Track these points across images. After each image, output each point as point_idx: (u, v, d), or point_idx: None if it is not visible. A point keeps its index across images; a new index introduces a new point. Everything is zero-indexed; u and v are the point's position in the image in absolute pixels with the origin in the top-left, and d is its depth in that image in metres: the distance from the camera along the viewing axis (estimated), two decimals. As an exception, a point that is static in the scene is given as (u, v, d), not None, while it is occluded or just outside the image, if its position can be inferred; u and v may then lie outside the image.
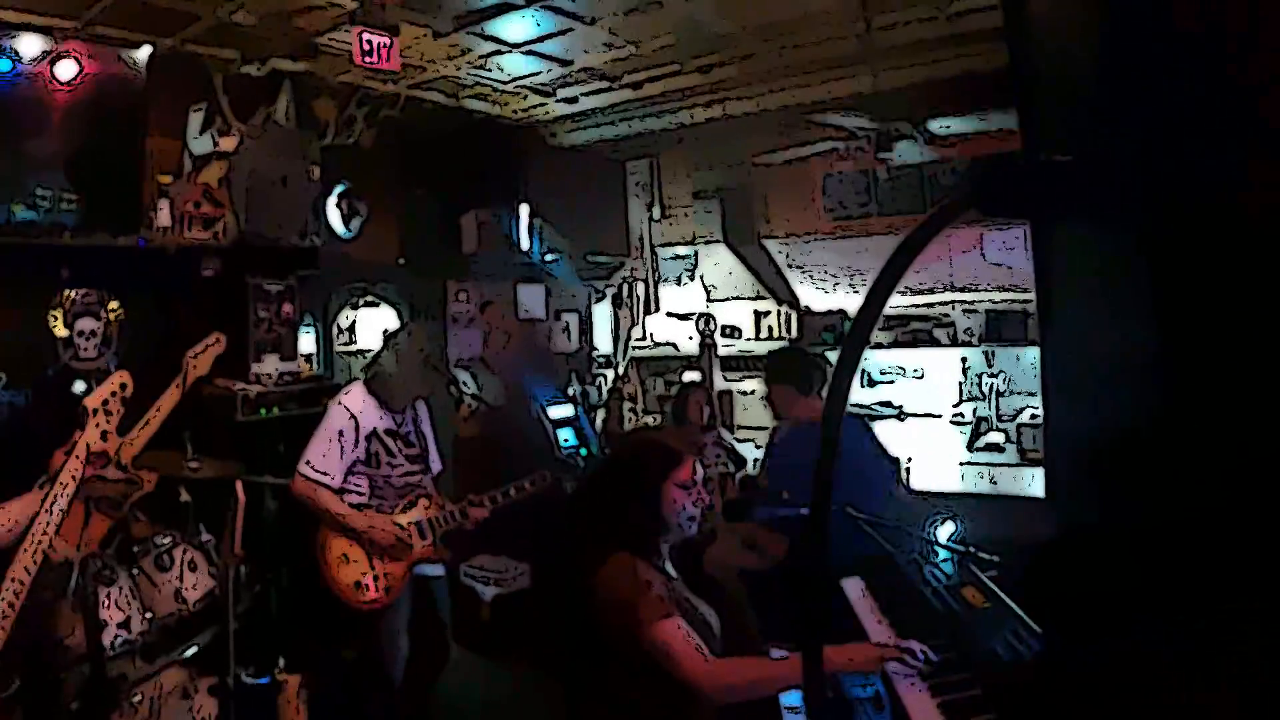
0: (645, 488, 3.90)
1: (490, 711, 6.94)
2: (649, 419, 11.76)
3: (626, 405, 11.88)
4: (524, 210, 10.66)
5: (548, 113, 10.57)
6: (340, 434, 5.93)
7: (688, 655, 3.56)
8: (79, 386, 6.92)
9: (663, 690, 3.61)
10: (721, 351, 11.05)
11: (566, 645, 4.03)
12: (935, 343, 10.01)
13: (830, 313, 10.80)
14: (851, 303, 10.70)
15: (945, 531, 5.06)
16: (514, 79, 9.35)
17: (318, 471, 5.90)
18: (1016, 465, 9.13)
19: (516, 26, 7.93)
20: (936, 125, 9.31)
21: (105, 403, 4.37)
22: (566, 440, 9.93)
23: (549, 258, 11.00)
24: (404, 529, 5.99)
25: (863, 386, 10.10)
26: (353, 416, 5.97)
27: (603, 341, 12.44)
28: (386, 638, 6.10)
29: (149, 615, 5.70)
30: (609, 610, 3.70)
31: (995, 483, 9.16)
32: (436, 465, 6.45)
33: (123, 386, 4.44)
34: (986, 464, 9.38)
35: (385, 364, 6.14)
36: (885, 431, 9.70)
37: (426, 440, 6.33)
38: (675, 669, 3.55)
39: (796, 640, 4.01)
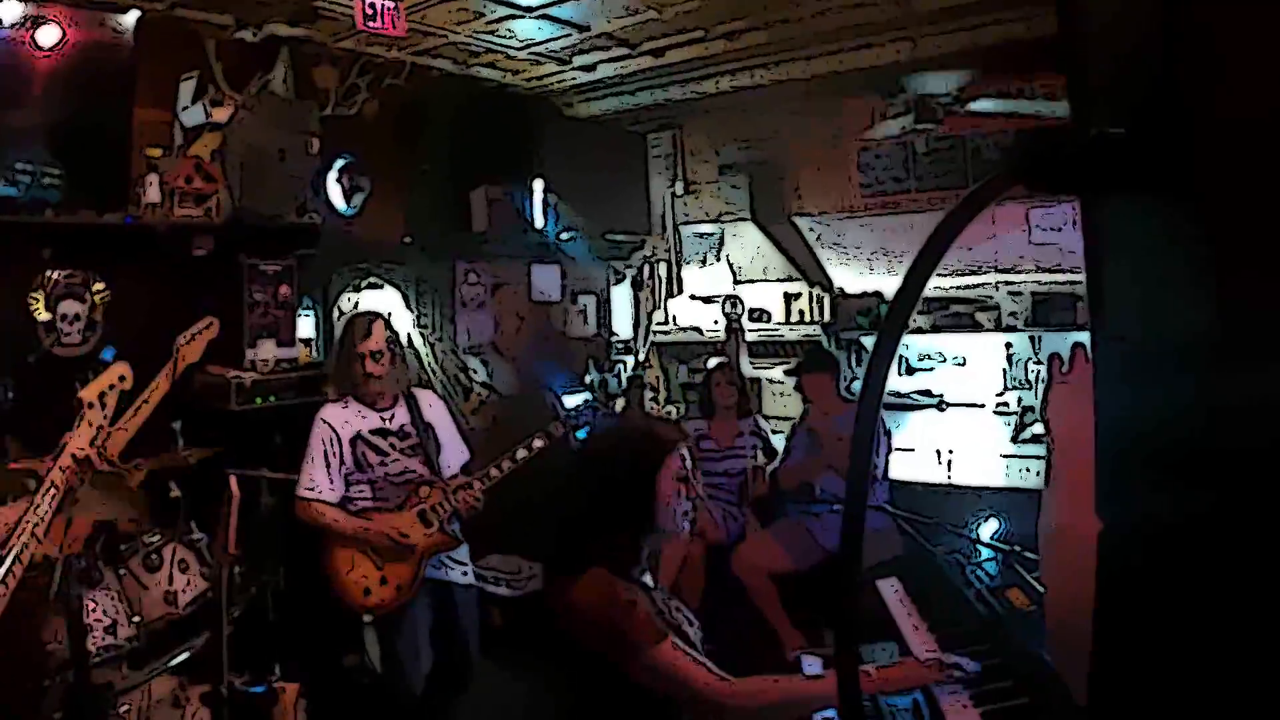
0: (635, 484, 3.72)
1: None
2: (671, 408, 11.73)
3: (647, 394, 11.85)
4: (538, 186, 10.59)
5: (563, 81, 10.53)
6: (323, 448, 6.12)
7: (699, 676, 3.46)
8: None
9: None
10: (749, 336, 11.03)
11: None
12: (978, 327, 9.96)
13: (866, 295, 10.71)
14: (888, 284, 10.63)
15: (989, 529, 5.08)
16: (527, 45, 9.31)
17: (308, 490, 6.09)
18: (1065, 458, 9.06)
19: (530, -11, 7.90)
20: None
21: (102, 396, 4.34)
22: (582, 432, 9.91)
23: (565, 236, 10.95)
24: (403, 526, 6.07)
25: (900, 374, 10.05)
26: (331, 428, 6.16)
27: (622, 326, 12.43)
28: (406, 647, 6.14)
29: (137, 619, 5.78)
30: (591, 637, 3.55)
31: (1041, 477, 9.10)
32: (461, 455, 6.55)
33: (121, 379, 4.41)
34: (1033, 456, 9.32)
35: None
36: (926, 421, 9.73)
37: (434, 430, 6.39)
38: (685, 693, 3.46)
39: (830, 649, 4.00)
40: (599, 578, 3.61)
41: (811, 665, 4.13)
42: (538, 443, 6.46)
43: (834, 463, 7.97)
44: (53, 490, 4.11)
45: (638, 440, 3.96)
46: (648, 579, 3.83)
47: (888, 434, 8.34)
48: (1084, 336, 1.33)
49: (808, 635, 7.33)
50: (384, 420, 6.24)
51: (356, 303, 9.11)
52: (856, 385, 8.72)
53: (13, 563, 3.98)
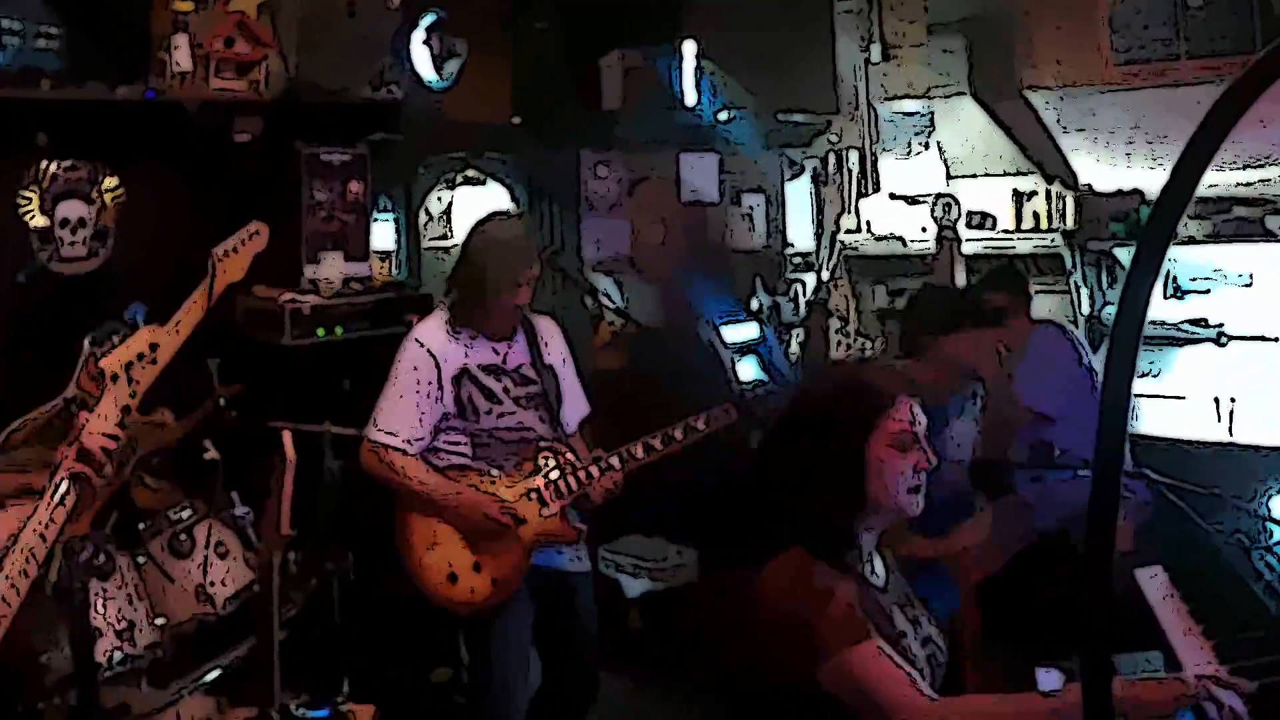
0: (839, 451, 3.70)
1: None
2: (865, 343, 11.54)
3: (833, 324, 11.75)
4: (689, 50, 10.44)
5: (721, -89, 10.34)
6: (416, 380, 5.97)
7: (896, 691, 3.43)
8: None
9: None
10: (967, 249, 10.79)
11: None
12: (1269, 236, 9.77)
13: (1121, 194, 10.64)
14: (1151, 180, 10.56)
15: (1282, 504, 5.04)
16: None
17: (387, 433, 5.94)
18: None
19: None
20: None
21: (129, 367, 4.23)
22: (748, 374, 9.70)
23: (724, 117, 10.86)
24: (510, 500, 5.96)
25: (1166, 297, 9.81)
26: (431, 354, 6.02)
27: (800, 235, 12.34)
28: (502, 654, 6.06)
29: (160, 620, 5.83)
30: (775, 631, 3.65)
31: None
32: (580, 408, 6.49)
33: (152, 348, 4.30)
34: (1341, 406, 9.11)
35: (463, 271, 6.11)
36: (1200, 359, 9.46)
37: (555, 373, 6.28)
38: (878, 711, 3.42)
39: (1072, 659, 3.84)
40: (792, 561, 3.70)
41: (1048, 678, 4.12)
42: (701, 424, 6.25)
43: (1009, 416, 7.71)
44: (67, 490, 3.96)
45: (840, 393, 3.95)
46: (877, 569, 3.87)
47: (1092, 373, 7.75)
48: None
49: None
50: (498, 355, 6.12)
51: (450, 203, 8.98)
52: (1109, 311, 8.49)
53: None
